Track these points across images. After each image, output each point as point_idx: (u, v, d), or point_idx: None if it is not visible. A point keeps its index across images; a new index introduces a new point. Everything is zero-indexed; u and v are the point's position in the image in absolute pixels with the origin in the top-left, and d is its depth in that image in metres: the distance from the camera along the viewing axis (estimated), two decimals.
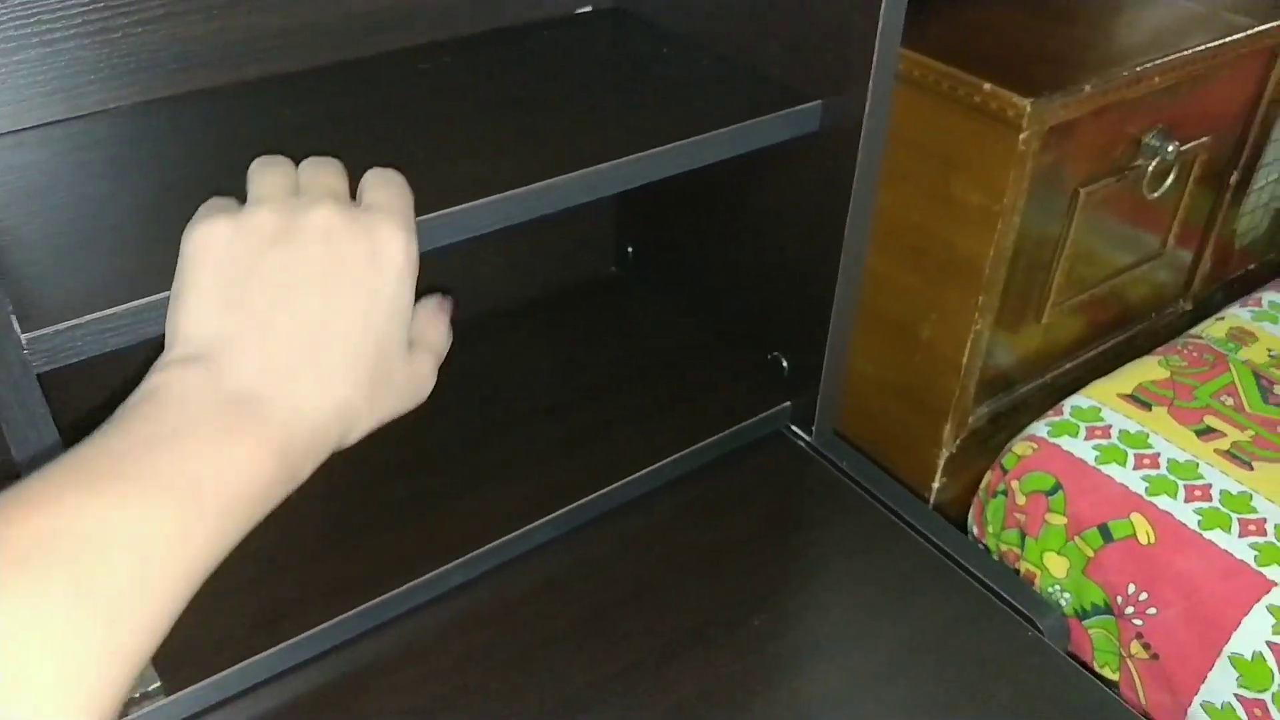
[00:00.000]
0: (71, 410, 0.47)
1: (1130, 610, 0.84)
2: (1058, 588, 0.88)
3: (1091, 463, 0.89)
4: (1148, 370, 0.98)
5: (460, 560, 0.60)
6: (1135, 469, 0.88)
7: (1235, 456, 0.89)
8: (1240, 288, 1.14)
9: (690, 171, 0.58)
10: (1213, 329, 1.04)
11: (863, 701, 0.57)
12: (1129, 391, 0.95)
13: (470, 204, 0.50)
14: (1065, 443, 0.90)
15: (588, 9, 0.73)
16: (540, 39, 0.69)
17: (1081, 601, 0.87)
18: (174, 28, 0.59)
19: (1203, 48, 0.85)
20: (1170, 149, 0.88)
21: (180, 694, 0.53)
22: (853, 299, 0.67)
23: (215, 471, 0.38)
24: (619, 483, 0.65)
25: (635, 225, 0.84)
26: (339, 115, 0.60)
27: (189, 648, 0.55)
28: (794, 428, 0.73)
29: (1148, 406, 0.94)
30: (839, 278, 0.65)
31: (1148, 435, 0.91)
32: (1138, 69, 0.81)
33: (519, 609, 0.61)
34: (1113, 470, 0.88)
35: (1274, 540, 0.82)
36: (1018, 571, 0.91)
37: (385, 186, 0.47)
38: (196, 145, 0.57)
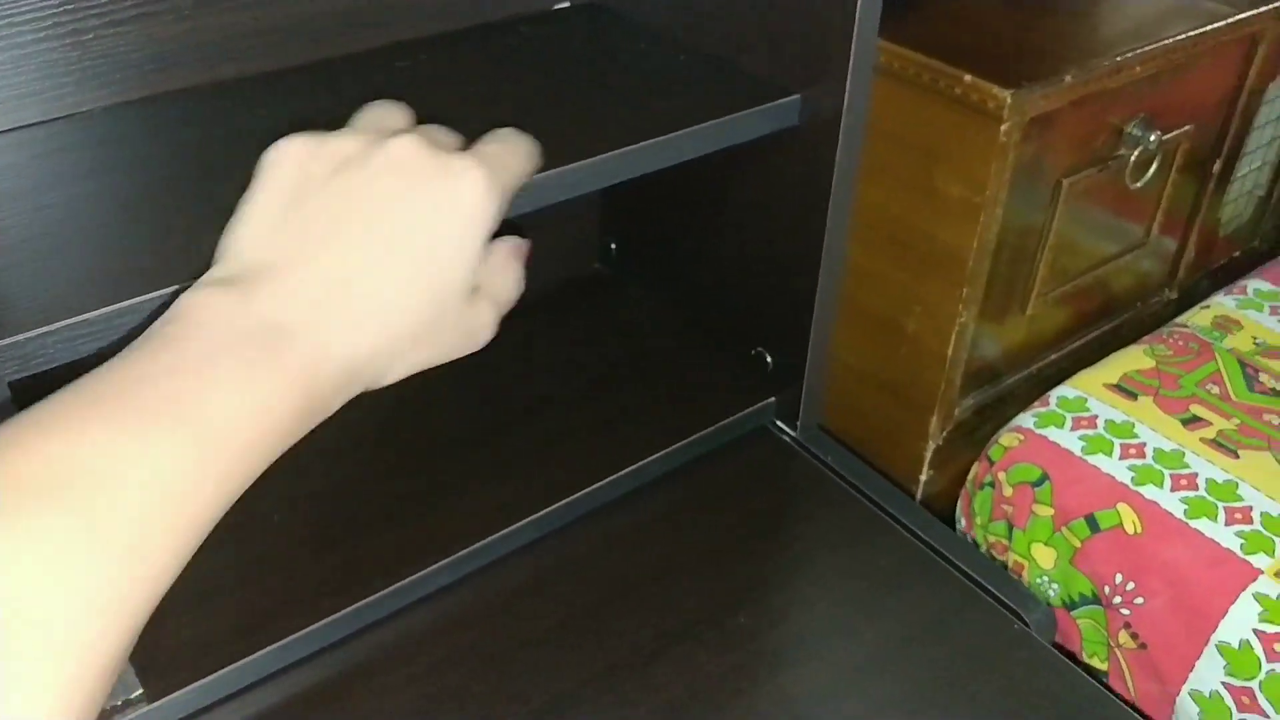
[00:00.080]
0: None
1: (1118, 600, 0.84)
2: (1045, 579, 0.88)
3: (1078, 453, 0.89)
4: (1133, 360, 0.98)
5: (443, 562, 0.60)
6: (1121, 459, 0.88)
7: (1221, 445, 0.89)
8: (1225, 276, 1.14)
9: (671, 167, 0.57)
10: (1197, 318, 1.04)
11: (849, 696, 0.57)
12: (1115, 381, 0.95)
13: None
14: (1052, 434, 0.91)
15: (565, 5, 0.72)
16: (517, 35, 0.69)
17: (1069, 592, 0.87)
18: (147, 28, 0.59)
19: (1184, 36, 0.85)
20: (1152, 138, 0.88)
21: (162, 701, 0.53)
22: (835, 293, 0.66)
23: (237, 407, 0.36)
24: (603, 481, 0.65)
25: (618, 221, 0.84)
26: (315, 114, 0.59)
27: (171, 654, 0.54)
28: (779, 423, 0.72)
29: (1133, 396, 0.94)
30: (821, 272, 0.65)
31: (1133, 425, 0.91)
32: (1118, 59, 0.81)
33: (504, 610, 0.60)
34: (1099, 460, 0.88)
35: (1260, 528, 0.82)
36: (1006, 563, 0.91)
37: (500, 142, 0.45)
38: (171, 147, 0.57)
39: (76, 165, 0.54)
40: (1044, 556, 0.88)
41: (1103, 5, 0.91)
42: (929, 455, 0.92)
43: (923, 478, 0.94)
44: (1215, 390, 0.94)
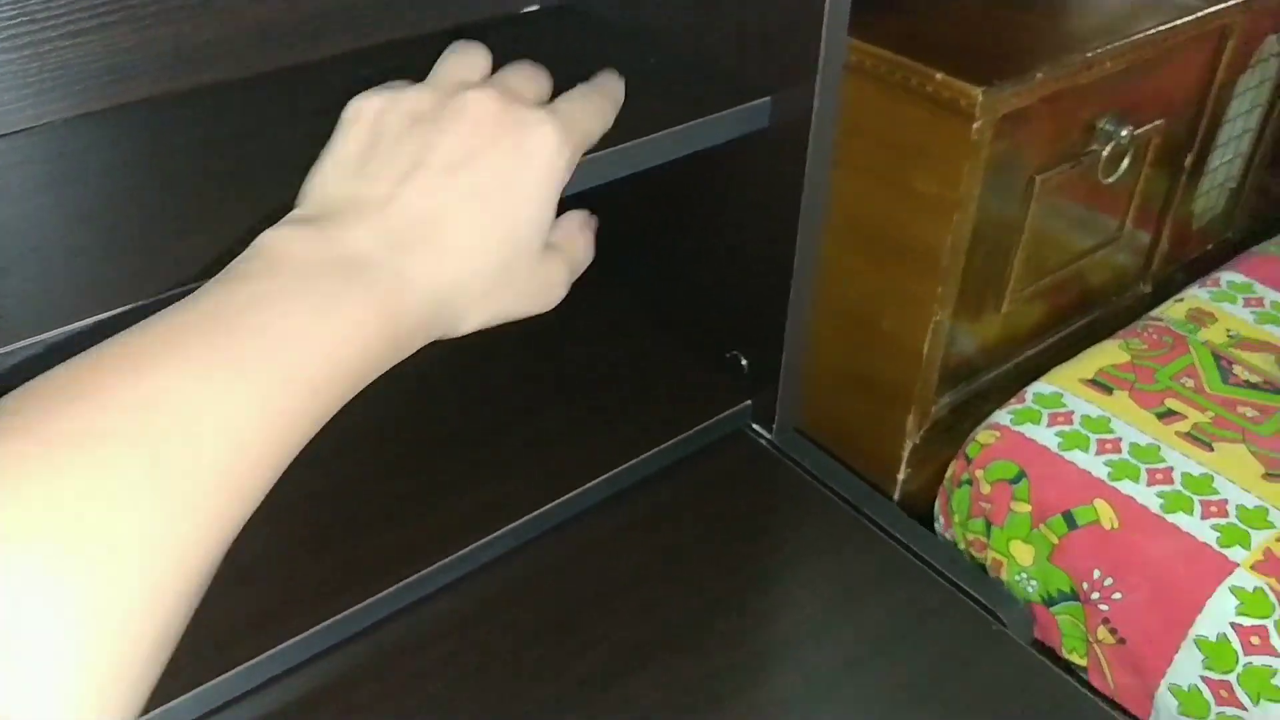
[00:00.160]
0: None
1: (1096, 596, 0.84)
2: (1024, 575, 0.88)
3: (1055, 449, 0.89)
4: (1109, 354, 0.98)
5: (417, 575, 0.59)
6: (1098, 454, 0.88)
7: (1196, 438, 0.89)
8: (1199, 268, 1.14)
9: (642, 171, 0.57)
10: (1172, 310, 1.04)
11: (828, 700, 0.57)
12: (1090, 376, 0.95)
13: None
14: (1028, 430, 0.91)
15: (534, 8, 0.72)
16: (486, 40, 0.68)
17: (1048, 588, 0.87)
18: (106, 39, 0.58)
19: (1154, 31, 0.85)
20: (1124, 133, 0.88)
21: (156, 711, 0.52)
22: (810, 296, 0.66)
23: (316, 339, 0.35)
24: (578, 490, 0.64)
25: None
26: (279, 122, 0.59)
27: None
28: (755, 427, 0.72)
29: (1109, 391, 0.94)
30: (794, 273, 0.64)
31: (1109, 420, 0.91)
32: (1089, 55, 0.81)
33: (478, 621, 0.60)
34: (1075, 456, 0.88)
35: (1235, 521, 0.82)
36: (984, 561, 0.91)
37: (579, 99, 0.46)
38: (133, 158, 0.56)
39: (37, 177, 0.53)
40: (1022, 553, 0.88)
41: (1073, 1, 0.91)
42: (906, 454, 0.92)
43: (900, 476, 0.94)
44: (1190, 383, 0.95)
